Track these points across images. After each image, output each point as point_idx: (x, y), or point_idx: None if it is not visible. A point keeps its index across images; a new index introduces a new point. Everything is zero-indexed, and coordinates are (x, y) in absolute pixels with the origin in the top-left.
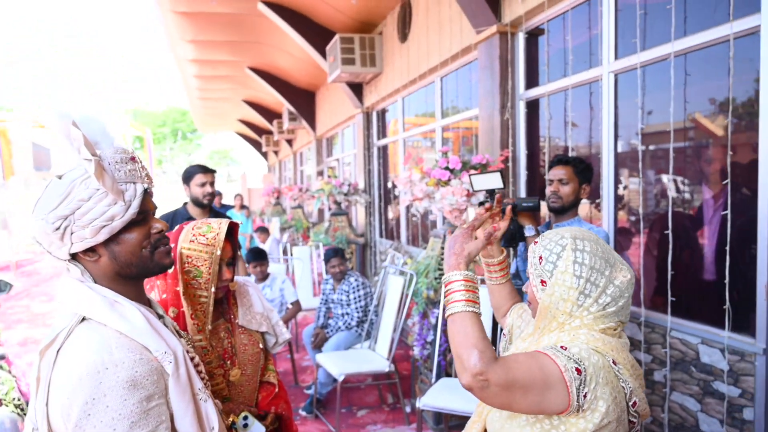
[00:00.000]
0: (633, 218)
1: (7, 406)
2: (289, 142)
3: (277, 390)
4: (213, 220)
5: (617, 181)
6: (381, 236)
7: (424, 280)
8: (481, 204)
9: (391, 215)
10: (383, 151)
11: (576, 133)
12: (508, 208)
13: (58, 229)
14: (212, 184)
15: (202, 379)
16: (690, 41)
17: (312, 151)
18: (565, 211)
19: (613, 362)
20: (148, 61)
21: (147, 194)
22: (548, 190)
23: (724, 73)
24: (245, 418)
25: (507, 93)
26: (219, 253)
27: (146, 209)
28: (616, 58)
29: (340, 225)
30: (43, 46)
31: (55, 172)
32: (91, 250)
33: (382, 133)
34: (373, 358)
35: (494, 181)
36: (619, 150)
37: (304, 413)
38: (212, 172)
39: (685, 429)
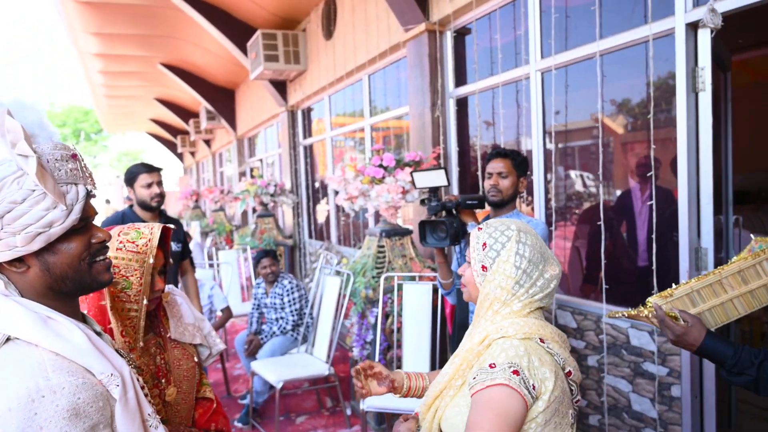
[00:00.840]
0: (555, 212)
1: None
2: (207, 142)
3: (214, 405)
4: (142, 224)
5: (546, 177)
6: (310, 237)
7: (362, 279)
8: (422, 202)
9: (320, 216)
10: (310, 150)
11: (505, 129)
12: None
13: None
14: (159, 183)
15: (150, 402)
16: (612, 41)
17: (233, 152)
18: (504, 204)
19: (540, 340)
20: (44, 53)
21: (89, 197)
22: (487, 183)
23: (640, 72)
24: None
25: (437, 91)
26: (152, 261)
27: (87, 215)
28: (542, 57)
29: (267, 227)
30: (43, 46)
31: None
32: (18, 260)
33: (308, 132)
34: (312, 362)
35: (438, 178)
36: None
37: (239, 425)
38: (158, 170)
39: (618, 410)
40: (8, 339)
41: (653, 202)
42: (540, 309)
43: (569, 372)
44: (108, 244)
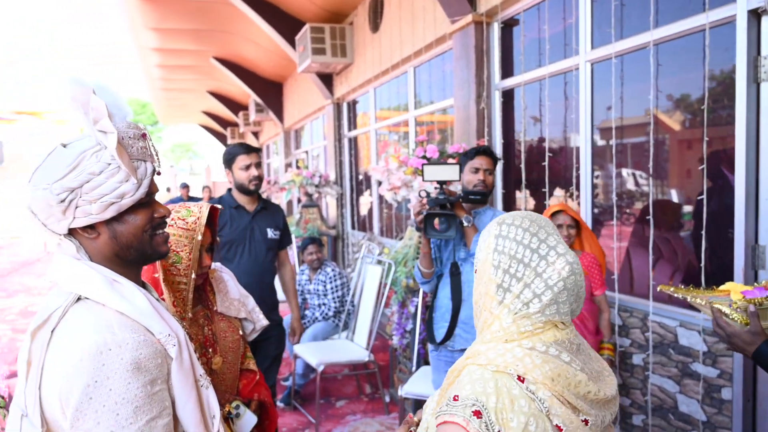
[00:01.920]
0: (606, 209)
1: None
2: (256, 134)
3: (257, 377)
4: (192, 204)
5: (594, 172)
6: (353, 228)
7: (403, 269)
8: (427, 195)
9: (363, 208)
10: (354, 142)
11: (551, 123)
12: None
13: (63, 201)
14: (258, 165)
15: (202, 365)
16: (667, 30)
17: (280, 144)
18: (486, 200)
19: (519, 379)
20: (105, 49)
21: (153, 175)
22: (474, 177)
23: (697, 63)
24: (237, 407)
25: (483, 83)
26: (200, 238)
27: (152, 191)
28: (593, 47)
29: (311, 217)
30: (44, 46)
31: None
32: (90, 227)
33: (353, 124)
34: (352, 348)
35: (451, 173)
36: (595, 140)
37: (282, 405)
38: (257, 151)
39: (664, 410)
40: (79, 298)
41: (704, 197)
42: (549, 326)
43: (585, 420)
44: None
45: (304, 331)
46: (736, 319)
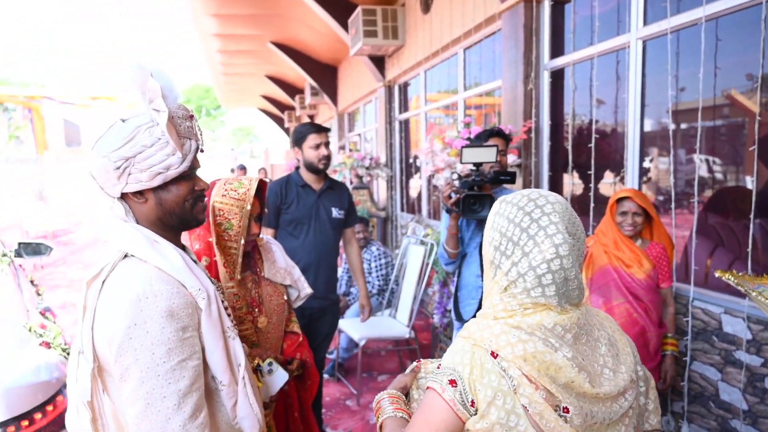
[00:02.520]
0: (661, 196)
1: (54, 349)
2: (311, 117)
3: (300, 339)
4: (244, 177)
5: (642, 155)
6: (402, 210)
7: None
8: (459, 178)
9: (413, 191)
10: (405, 125)
11: (601, 103)
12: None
13: (118, 168)
14: (327, 145)
15: (232, 320)
16: (721, 5)
17: (334, 127)
18: (515, 180)
19: (493, 354)
20: (171, 37)
21: (197, 152)
22: None
23: (755, 38)
24: (270, 363)
25: (531, 63)
26: (249, 208)
27: (195, 166)
28: (645, 23)
29: (361, 198)
30: (43, 46)
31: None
32: (140, 192)
33: (404, 107)
34: (394, 324)
35: (488, 155)
36: (647, 123)
37: (326, 376)
38: (326, 131)
39: (705, 398)
40: (126, 255)
41: (754, 180)
42: (541, 310)
43: (566, 408)
44: (206, 192)
45: (372, 309)
46: None
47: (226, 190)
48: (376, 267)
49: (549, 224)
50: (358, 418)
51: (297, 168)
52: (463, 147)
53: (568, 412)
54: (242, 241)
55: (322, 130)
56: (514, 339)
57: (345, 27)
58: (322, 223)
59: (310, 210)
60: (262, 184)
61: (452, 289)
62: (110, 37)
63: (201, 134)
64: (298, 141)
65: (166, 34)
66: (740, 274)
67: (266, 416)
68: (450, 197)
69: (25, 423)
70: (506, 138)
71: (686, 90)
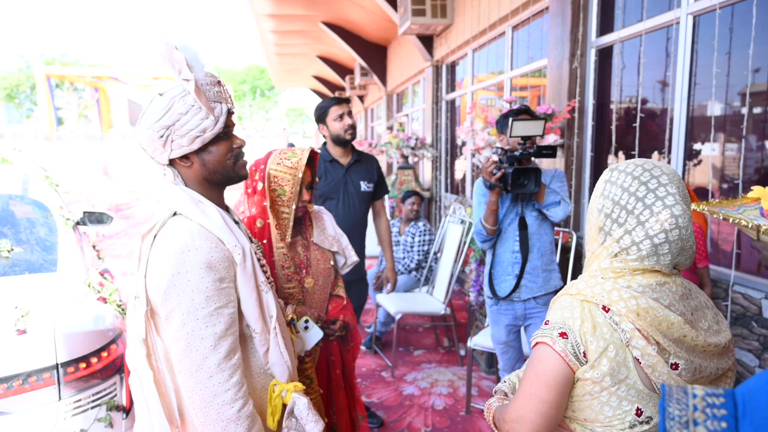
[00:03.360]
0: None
1: (110, 304)
2: (361, 98)
3: (345, 303)
4: (297, 148)
5: (689, 137)
6: (446, 191)
7: None
8: (504, 153)
9: (459, 173)
10: (451, 105)
11: (649, 82)
12: None
13: (162, 137)
14: (350, 114)
15: (266, 276)
16: None
17: (382, 107)
18: (555, 154)
19: (604, 309)
20: (228, 19)
21: (230, 113)
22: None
23: None
24: (306, 321)
25: (577, 40)
26: (300, 176)
27: (229, 126)
28: None
29: (406, 179)
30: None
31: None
32: (185, 157)
33: (451, 87)
34: (430, 300)
35: (537, 128)
36: (697, 105)
37: (364, 348)
38: (347, 101)
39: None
40: (175, 213)
41: None
42: (650, 272)
43: (675, 364)
44: (244, 149)
45: (396, 281)
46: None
47: (281, 158)
48: (419, 242)
49: (667, 195)
50: (392, 389)
51: (324, 144)
52: (513, 120)
53: (677, 368)
54: (293, 207)
55: (342, 101)
56: (626, 295)
57: (394, 6)
58: (350, 197)
59: (338, 184)
60: (314, 155)
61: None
62: (171, 19)
63: (230, 97)
64: (321, 117)
65: (225, 15)
66: (716, 201)
67: (307, 369)
68: (493, 173)
69: (83, 365)
70: (534, 116)
71: (736, 71)
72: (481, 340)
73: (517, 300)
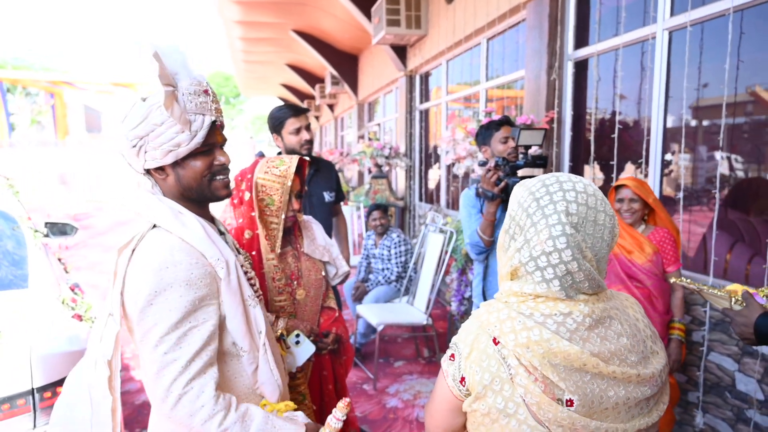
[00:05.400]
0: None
1: (86, 322)
2: (331, 107)
3: (337, 315)
4: (286, 156)
5: (665, 148)
6: (420, 200)
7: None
8: (506, 163)
9: (432, 182)
10: (425, 115)
11: (625, 95)
12: None
13: (134, 147)
14: (308, 128)
15: (254, 289)
16: None
17: (353, 117)
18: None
19: (494, 341)
20: (194, 25)
21: (215, 127)
22: (507, 147)
23: None
24: (297, 336)
25: (555, 53)
26: (290, 184)
27: (213, 141)
28: (672, 14)
29: (380, 188)
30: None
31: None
32: (161, 168)
33: (425, 97)
34: (411, 311)
35: (538, 137)
36: (670, 117)
37: None
38: (305, 112)
39: (721, 388)
40: (154, 226)
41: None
42: (553, 300)
43: (569, 401)
44: (230, 167)
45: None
46: (735, 303)
47: (268, 167)
48: (396, 254)
49: (554, 213)
50: (375, 402)
51: (279, 153)
52: (520, 129)
53: (572, 404)
54: (283, 216)
55: (301, 112)
56: (519, 326)
57: (368, 16)
58: (314, 210)
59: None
60: (302, 162)
61: (470, 277)
62: (133, 23)
63: (218, 108)
64: (276, 127)
65: (190, 20)
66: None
67: (300, 385)
68: (497, 183)
69: (60, 389)
70: (528, 127)
71: (710, 85)
72: None
73: None
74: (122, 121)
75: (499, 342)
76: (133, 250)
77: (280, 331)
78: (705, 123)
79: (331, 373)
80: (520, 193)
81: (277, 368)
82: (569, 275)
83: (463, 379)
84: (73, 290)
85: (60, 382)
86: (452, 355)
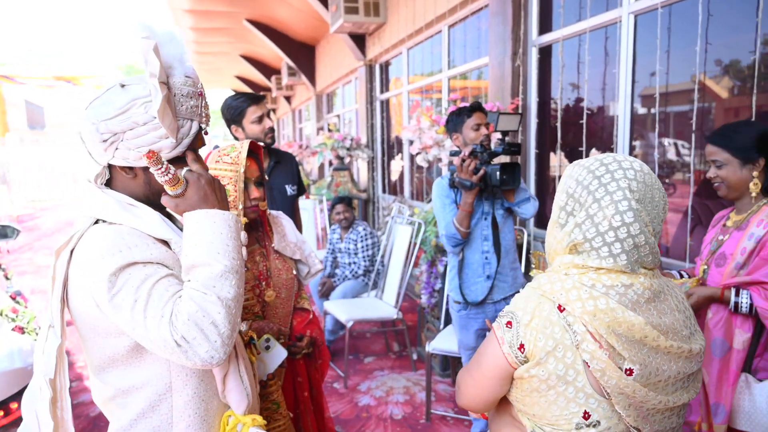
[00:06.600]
0: None
1: (29, 334)
2: (288, 99)
3: (311, 316)
4: (237, 143)
5: (632, 135)
6: (384, 192)
7: (433, 228)
8: (484, 150)
9: (395, 174)
10: (386, 105)
11: (591, 81)
12: None
13: (105, 141)
14: (269, 114)
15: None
16: None
17: (312, 108)
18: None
19: (560, 308)
20: (141, 14)
21: (199, 132)
22: (479, 134)
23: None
24: (267, 340)
25: (519, 39)
26: (242, 171)
27: (195, 147)
28: None
29: (342, 180)
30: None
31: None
32: (129, 167)
33: (386, 86)
34: (381, 305)
35: (516, 122)
36: (636, 103)
37: None
38: (263, 99)
39: None
40: (96, 221)
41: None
42: (615, 272)
43: (629, 370)
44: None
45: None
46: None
47: (219, 156)
48: (362, 247)
49: (617, 189)
50: (347, 401)
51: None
52: (499, 114)
53: (631, 373)
54: (240, 206)
55: (260, 100)
56: (585, 295)
57: (325, 4)
58: (277, 205)
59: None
60: (255, 147)
61: (440, 269)
62: (76, 13)
63: (207, 115)
64: (235, 118)
65: (136, 9)
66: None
67: (273, 392)
68: (475, 172)
69: (1, 413)
70: (486, 113)
71: (678, 69)
72: (441, 344)
73: (489, 302)
74: (93, 105)
75: (564, 309)
76: (72, 251)
77: (249, 334)
78: (673, 109)
79: (306, 378)
80: (576, 171)
81: (247, 375)
82: (635, 249)
83: (522, 345)
84: (14, 299)
85: (1, 405)
86: (509, 323)
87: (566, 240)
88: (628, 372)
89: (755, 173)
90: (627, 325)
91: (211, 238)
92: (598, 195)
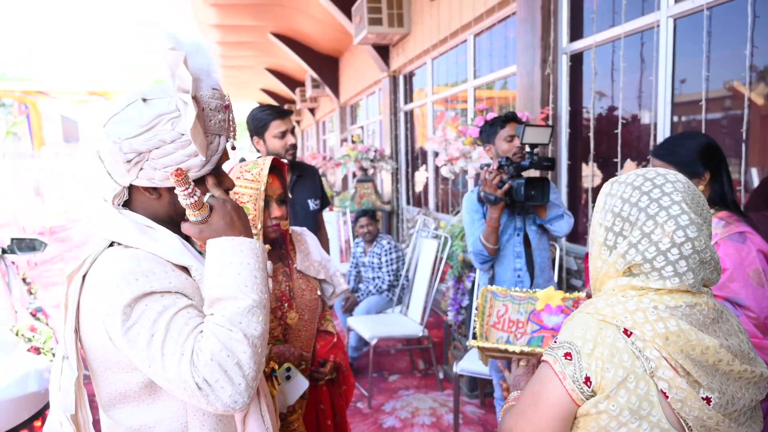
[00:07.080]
0: None
1: (45, 354)
2: (312, 111)
3: (335, 340)
4: (259, 158)
5: None
6: (408, 203)
7: (460, 243)
8: (510, 164)
9: (419, 185)
10: (410, 116)
11: (625, 88)
12: None
13: (129, 161)
14: (293, 131)
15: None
16: None
17: (335, 120)
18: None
19: (626, 332)
20: (168, 28)
21: (226, 149)
22: (512, 146)
23: None
24: (288, 369)
25: (548, 46)
26: (263, 188)
27: (221, 164)
28: (677, 0)
29: (366, 192)
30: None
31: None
32: (153, 188)
33: (410, 97)
34: (406, 322)
35: (545, 135)
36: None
37: None
38: (290, 114)
39: None
40: (111, 244)
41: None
42: (678, 292)
43: (707, 398)
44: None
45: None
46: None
47: (240, 172)
48: (386, 261)
49: (672, 204)
50: (371, 422)
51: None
52: (525, 125)
53: (709, 402)
54: (259, 225)
55: (286, 114)
56: (653, 317)
57: (348, 15)
58: (299, 220)
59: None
60: (278, 164)
61: (467, 285)
62: (108, 29)
63: (234, 129)
64: (258, 130)
65: (165, 24)
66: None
67: (294, 422)
68: (500, 186)
69: None
70: (521, 123)
71: (721, 75)
72: (468, 365)
73: None
74: (114, 122)
75: (632, 333)
76: (84, 276)
77: (271, 366)
78: (715, 116)
79: (329, 405)
80: (619, 189)
81: (268, 412)
82: (701, 266)
83: (587, 378)
84: (34, 315)
85: None
86: (567, 354)
87: (621, 262)
88: (706, 400)
89: (701, 187)
90: (701, 349)
91: (238, 269)
92: (652, 211)
